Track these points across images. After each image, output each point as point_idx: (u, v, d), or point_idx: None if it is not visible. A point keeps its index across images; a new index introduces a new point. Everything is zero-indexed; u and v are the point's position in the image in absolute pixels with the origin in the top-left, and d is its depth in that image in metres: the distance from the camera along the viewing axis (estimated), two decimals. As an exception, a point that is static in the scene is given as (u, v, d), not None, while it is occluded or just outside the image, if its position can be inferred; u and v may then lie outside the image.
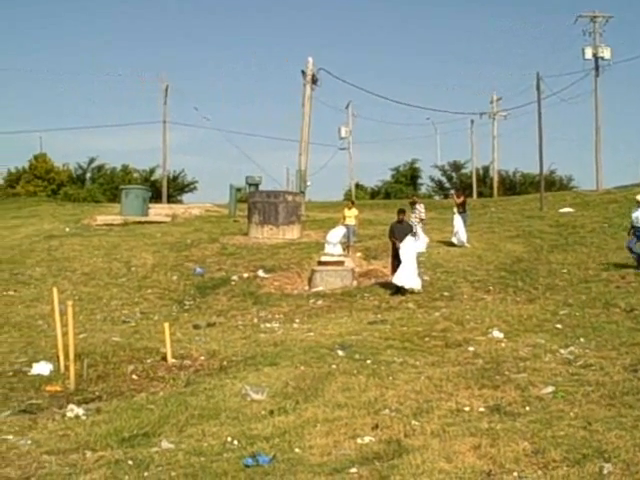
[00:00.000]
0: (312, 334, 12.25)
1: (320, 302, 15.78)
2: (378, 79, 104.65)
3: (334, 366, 9.70)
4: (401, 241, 15.81)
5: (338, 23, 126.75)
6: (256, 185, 29.87)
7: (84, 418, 8.15)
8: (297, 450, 6.60)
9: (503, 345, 10.86)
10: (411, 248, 15.77)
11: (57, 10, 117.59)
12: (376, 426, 7.09)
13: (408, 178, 63.53)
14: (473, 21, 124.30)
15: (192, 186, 64.24)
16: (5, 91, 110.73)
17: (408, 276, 15.43)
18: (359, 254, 19.94)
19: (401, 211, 17.24)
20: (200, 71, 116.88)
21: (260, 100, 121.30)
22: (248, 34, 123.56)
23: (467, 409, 7.55)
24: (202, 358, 10.82)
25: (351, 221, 21.58)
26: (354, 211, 22.15)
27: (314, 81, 31.61)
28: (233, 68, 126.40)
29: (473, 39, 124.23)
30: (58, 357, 10.38)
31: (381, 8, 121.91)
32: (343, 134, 56.96)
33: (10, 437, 7.55)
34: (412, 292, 15.44)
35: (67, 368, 9.89)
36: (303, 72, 31.55)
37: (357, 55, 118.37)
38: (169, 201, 50.14)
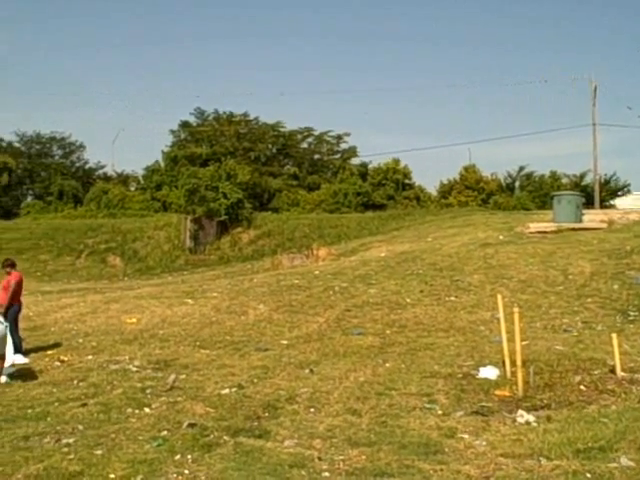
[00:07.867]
0: None
1: None
2: None
3: None
4: None
5: None
6: None
7: (535, 425, 8.21)
8: None
9: None
10: None
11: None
12: None
13: None
14: None
15: (625, 190, 61.10)
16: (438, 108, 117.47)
17: None
18: None
19: None
20: (630, 67, 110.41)
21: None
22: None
23: None
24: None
25: None
26: None
27: None
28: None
29: None
30: (504, 363, 10.61)
31: None
32: None
33: (466, 436, 7.94)
34: None
35: (513, 374, 10.08)
36: None
37: None
38: (601, 206, 48.29)
